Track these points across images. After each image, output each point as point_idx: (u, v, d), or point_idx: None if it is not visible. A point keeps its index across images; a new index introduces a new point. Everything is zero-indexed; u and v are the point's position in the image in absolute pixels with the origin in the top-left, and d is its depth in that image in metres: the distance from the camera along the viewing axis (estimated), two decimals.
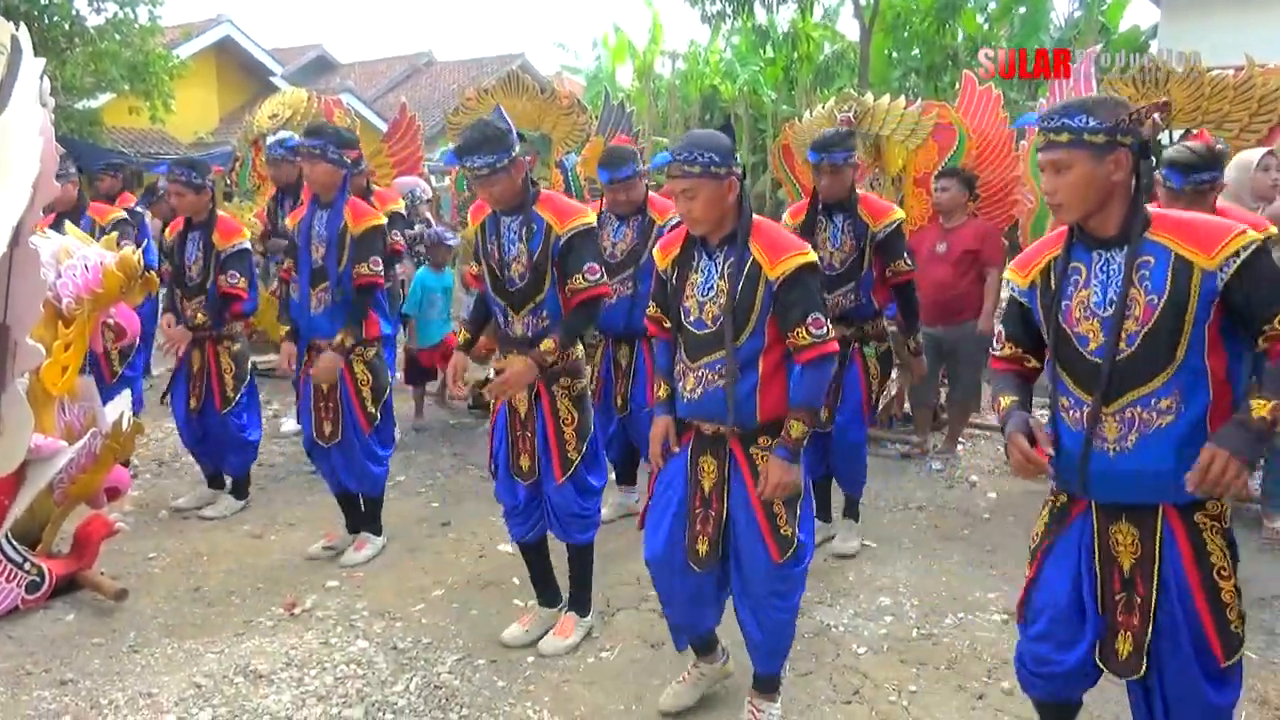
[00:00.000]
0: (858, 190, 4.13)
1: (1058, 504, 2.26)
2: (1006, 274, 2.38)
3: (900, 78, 15.64)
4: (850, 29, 16.73)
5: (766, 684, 2.86)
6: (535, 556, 3.47)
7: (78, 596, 3.79)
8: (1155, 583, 2.08)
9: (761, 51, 16.85)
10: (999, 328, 2.38)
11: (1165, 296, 1.99)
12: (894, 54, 15.96)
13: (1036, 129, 2.16)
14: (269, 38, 32.87)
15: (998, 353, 2.38)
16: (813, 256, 2.60)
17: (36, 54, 2.65)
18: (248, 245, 4.68)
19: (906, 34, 15.50)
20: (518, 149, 3.16)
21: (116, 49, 12.22)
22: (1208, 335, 1.99)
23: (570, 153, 7.11)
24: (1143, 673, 2.13)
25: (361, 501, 4.28)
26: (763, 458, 2.62)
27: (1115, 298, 2.04)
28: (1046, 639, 2.24)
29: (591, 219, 3.27)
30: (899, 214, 4.12)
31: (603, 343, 4.52)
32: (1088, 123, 2.01)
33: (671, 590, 2.83)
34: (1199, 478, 1.92)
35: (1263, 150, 4.35)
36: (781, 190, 7.29)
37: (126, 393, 4.47)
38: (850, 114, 6.15)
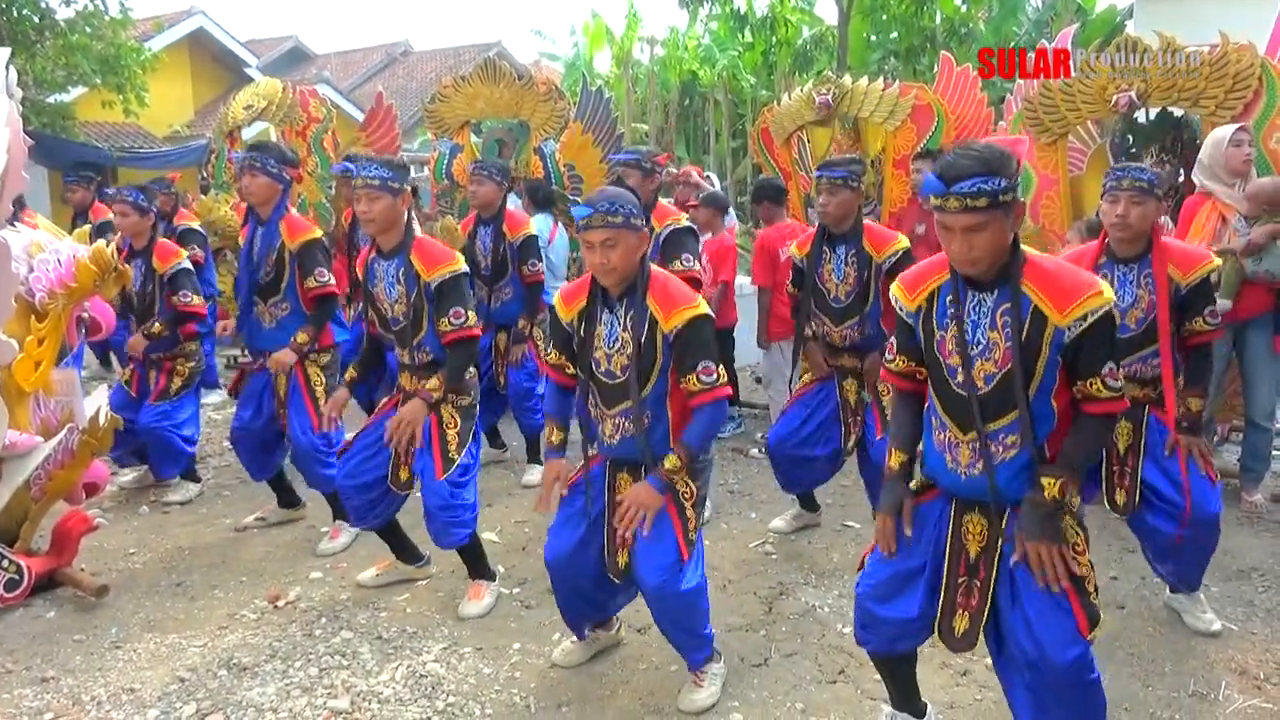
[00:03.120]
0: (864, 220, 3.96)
1: (921, 483, 2.42)
2: (893, 291, 2.39)
3: (879, 60, 15.63)
4: (828, 12, 16.77)
5: (699, 664, 2.99)
6: (386, 534, 3.79)
7: (58, 593, 3.76)
8: (995, 567, 2.25)
9: (740, 36, 16.79)
10: (893, 340, 2.43)
11: (1018, 345, 2.11)
12: (872, 37, 15.93)
13: (938, 197, 2.08)
14: (243, 29, 32.60)
15: (890, 365, 2.43)
16: (704, 309, 2.74)
17: (4, 46, 2.61)
18: (187, 265, 4.76)
19: (885, 17, 15.47)
20: (408, 187, 3.39)
21: (87, 42, 12.03)
22: (1059, 378, 2.15)
23: (549, 139, 7.07)
24: (976, 645, 2.31)
25: (325, 497, 4.34)
26: (680, 482, 2.80)
27: (983, 339, 2.16)
28: (869, 596, 2.42)
29: (458, 265, 3.41)
30: (904, 242, 3.89)
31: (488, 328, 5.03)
32: (1001, 184, 2.05)
33: (569, 588, 2.99)
34: (1039, 577, 2.14)
35: (1234, 126, 4.37)
36: (761, 176, 7.26)
37: (104, 388, 4.43)
38: (829, 97, 6.14)
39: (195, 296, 4.69)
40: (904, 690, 2.63)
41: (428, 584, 3.83)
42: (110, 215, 7.26)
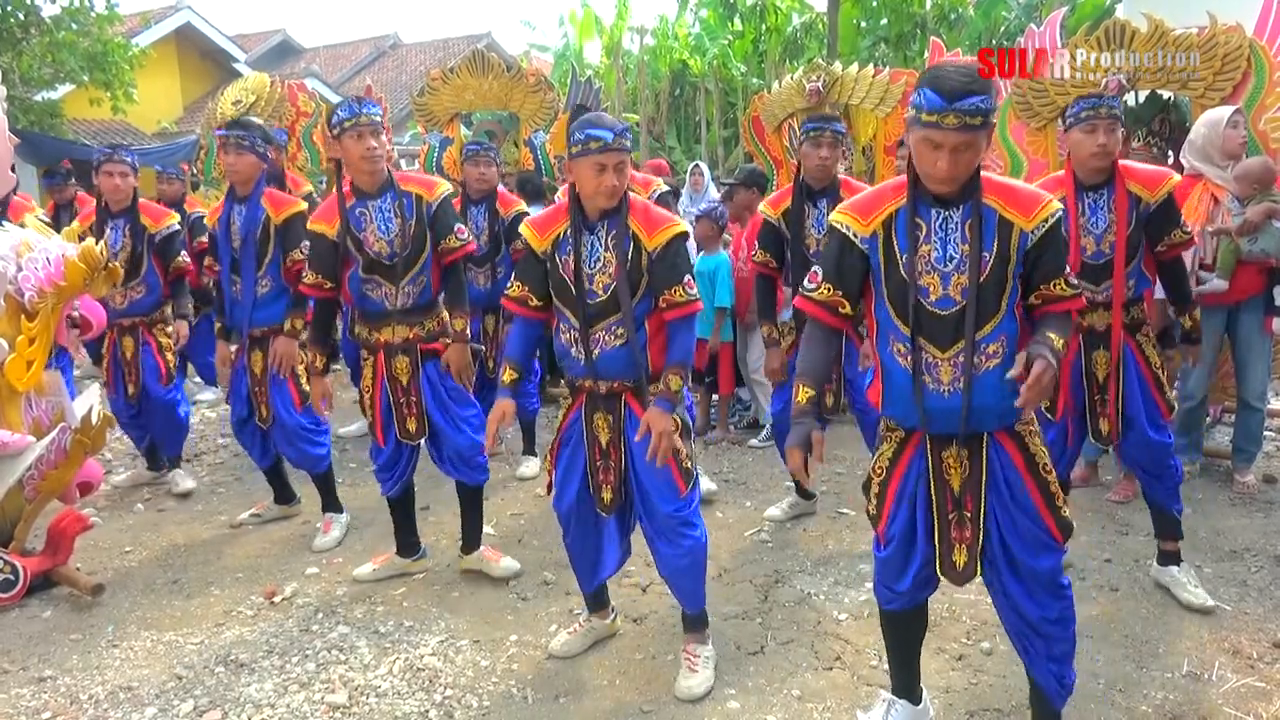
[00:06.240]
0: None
1: (895, 439, 2.43)
2: (836, 218, 2.36)
3: (869, 47, 15.61)
4: None
5: (696, 623, 3.07)
6: (401, 509, 3.83)
7: (54, 593, 3.75)
8: (982, 496, 2.32)
9: (730, 24, 16.76)
10: (815, 269, 2.39)
11: (994, 253, 2.21)
12: (862, 23, 15.90)
13: (936, 113, 2.09)
14: (230, 24, 32.39)
15: (812, 294, 2.37)
16: (683, 227, 2.87)
17: None
18: (178, 227, 4.82)
19: (875, 3, 15.45)
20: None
21: (74, 38, 11.98)
22: (1019, 286, 2.26)
23: (539, 130, 7.06)
24: (977, 575, 2.38)
25: (314, 485, 4.36)
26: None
27: (955, 253, 2.22)
28: (890, 564, 2.46)
29: (447, 186, 3.63)
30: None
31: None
32: (992, 104, 2.14)
33: (580, 538, 3.08)
34: (1034, 388, 2.10)
35: (1231, 108, 4.37)
36: (750, 163, 7.26)
37: (95, 386, 4.42)
38: (819, 84, 6.14)
39: (185, 256, 4.82)
40: (907, 668, 2.62)
41: (424, 578, 3.83)
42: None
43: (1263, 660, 3.02)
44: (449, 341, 3.63)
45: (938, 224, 2.24)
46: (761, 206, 4.15)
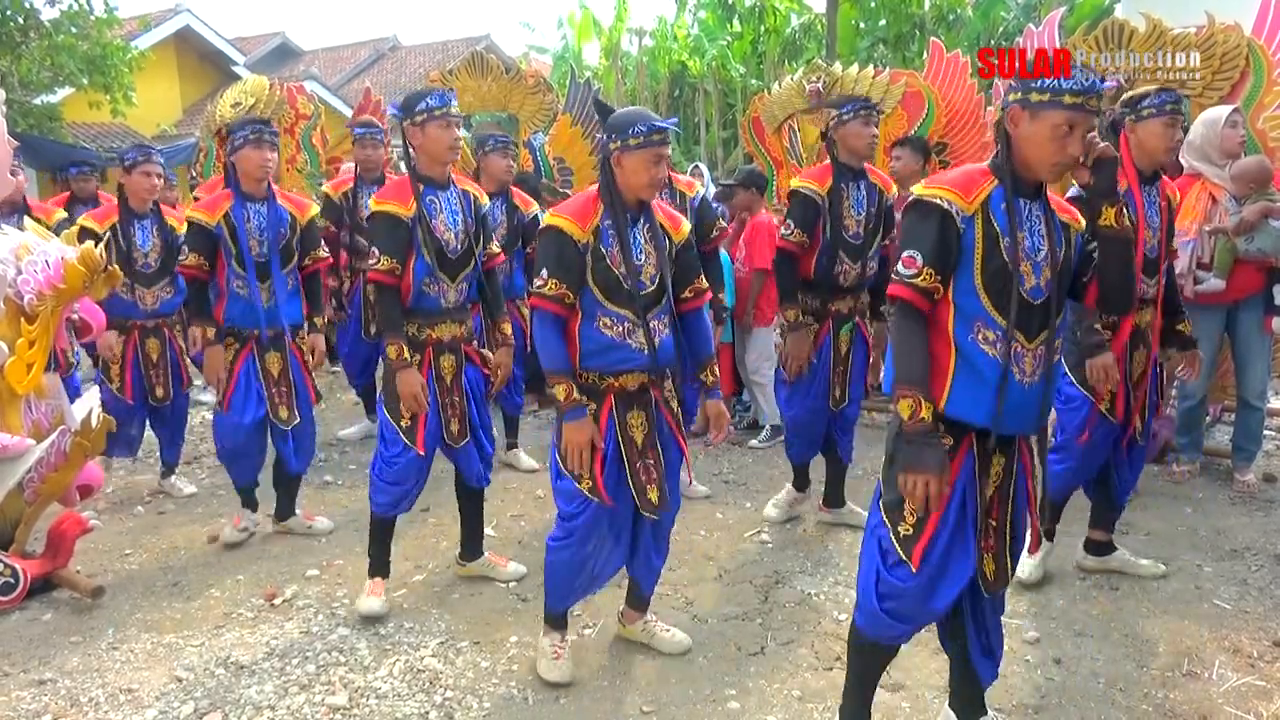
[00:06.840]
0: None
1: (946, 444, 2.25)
2: (932, 193, 2.21)
3: (868, 48, 15.64)
4: (816, 0, 16.70)
5: (648, 600, 3.23)
6: (389, 532, 3.65)
7: (54, 596, 3.74)
8: (1010, 503, 2.34)
9: (728, 26, 16.81)
10: (911, 253, 2.20)
11: (1064, 247, 2.28)
12: (861, 24, 15.95)
13: (1087, 94, 2.10)
14: (230, 26, 32.42)
15: (914, 280, 2.19)
16: (689, 224, 3.08)
17: None
18: None
19: (873, 4, 15.50)
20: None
21: (73, 42, 11.96)
22: None
23: (538, 132, 7.07)
24: (1010, 582, 2.43)
25: (284, 485, 4.37)
26: (671, 396, 2.99)
27: (1040, 245, 2.24)
28: (917, 592, 2.26)
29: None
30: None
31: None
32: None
33: (605, 548, 3.02)
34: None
35: (1229, 107, 4.38)
36: (751, 164, 7.26)
37: (95, 389, 4.42)
38: (819, 84, 6.13)
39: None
40: (867, 705, 2.53)
41: (424, 579, 3.84)
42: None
43: (1263, 659, 3.02)
44: (484, 346, 3.68)
45: (1025, 214, 2.23)
46: (798, 182, 4.04)
